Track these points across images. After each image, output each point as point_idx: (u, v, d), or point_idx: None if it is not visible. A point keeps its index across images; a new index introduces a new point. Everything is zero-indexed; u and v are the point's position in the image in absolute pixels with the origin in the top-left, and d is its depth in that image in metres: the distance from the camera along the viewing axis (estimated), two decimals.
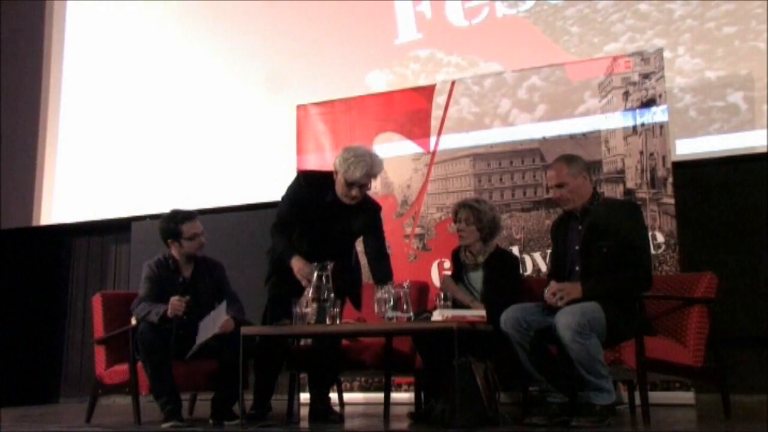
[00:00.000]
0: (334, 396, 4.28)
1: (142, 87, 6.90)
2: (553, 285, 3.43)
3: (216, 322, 3.89)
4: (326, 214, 3.84)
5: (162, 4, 6.97)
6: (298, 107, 5.65)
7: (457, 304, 3.72)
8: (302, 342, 4.17)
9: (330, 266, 3.50)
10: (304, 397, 4.30)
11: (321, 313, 3.45)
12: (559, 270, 3.66)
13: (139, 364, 3.93)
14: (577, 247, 3.57)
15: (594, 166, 4.76)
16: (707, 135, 5.01)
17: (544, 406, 3.44)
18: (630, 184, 4.68)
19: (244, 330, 3.63)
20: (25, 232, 7.20)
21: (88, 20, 7.32)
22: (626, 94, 4.75)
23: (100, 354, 4.27)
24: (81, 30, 7.33)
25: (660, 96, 4.66)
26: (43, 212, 7.15)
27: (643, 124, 4.69)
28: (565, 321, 3.26)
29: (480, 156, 5.09)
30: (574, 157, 3.70)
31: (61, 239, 7.21)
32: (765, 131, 4.82)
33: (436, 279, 4.97)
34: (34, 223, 7.16)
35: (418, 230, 5.20)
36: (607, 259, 3.45)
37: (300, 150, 5.59)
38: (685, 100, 5.04)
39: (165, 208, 6.22)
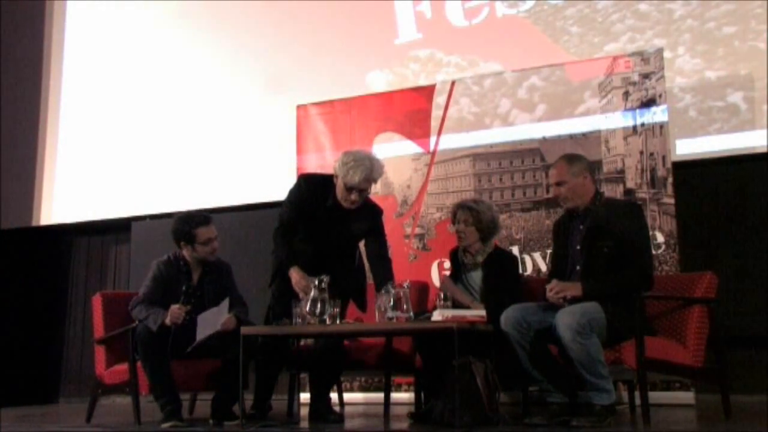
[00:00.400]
0: (334, 396, 4.28)
1: (142, 87, 6.90)
2: (554, 283, 3.43)
3: (218, 319, 3.89)
4: (327, 218, 3.84)
5: (162, 4, 6.97)
6: (298, 107, 5.65)
7: (456, 305, 3.72)
8: (302, 342, 4.17)
9: (326, 279, 3.51)
10: (304, 397, 4.30)
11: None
12: (559, 269, 3.66)
13: (139, 364, 3.92)
14: (578, 247, 3.57)
15: (594, 166, 4.74)
16: (707, 135, 5.01)
17: (544, 406, 3.44)
18: (630, 184, 4.68)
19: (245, 330, 3.64)
20: (25, 232, 7.20)
21: (88, 20, 7.32)
22: (626, 94, 4.75)
23: (100, 354, 4.27)
24: (81, 30, 7.33)
25: (660, 96, 4.66)
26: (43, 212, 7.15)
27: (643, 124, 4.69)
28: (565, 321, 3.26)
29: (480, 156, 5.09)
30: (577, 157, 3.71)
31: (61, 239, 7.21)
32: (765, 131, 4.82)
33: (436, 279, 4.98)
34: (34, 223, 7.16)
35: (418, 230, 5.20)
36: (608, 259, 3.45)
37: (300, 150, 5.59)
38: (685, 100, 5.04)
39: (165, 208, 6.32)
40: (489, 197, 4.95)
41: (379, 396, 4.58)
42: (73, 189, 7.04)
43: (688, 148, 4.97)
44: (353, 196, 3.76)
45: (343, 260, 3.96)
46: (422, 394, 4.11)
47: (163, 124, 6.75)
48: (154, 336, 3.83)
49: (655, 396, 4.24)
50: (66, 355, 6.93)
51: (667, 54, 4.75)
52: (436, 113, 5.24)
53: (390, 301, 3.45)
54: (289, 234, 3.86)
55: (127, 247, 6.78)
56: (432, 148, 5.24)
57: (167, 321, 3.87)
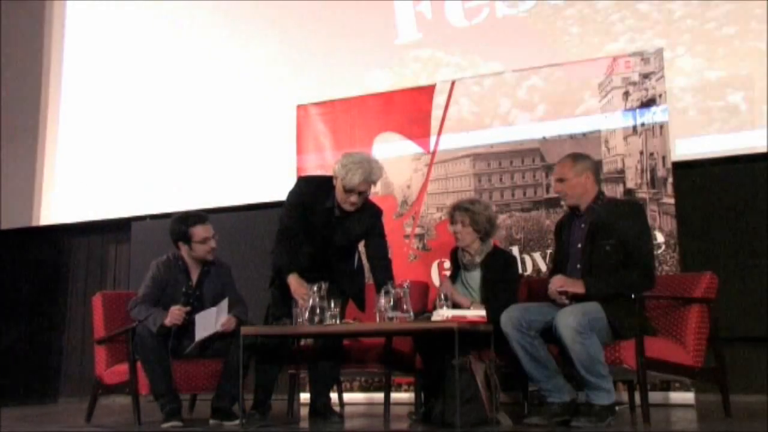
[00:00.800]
0: (334, 396, 4.28)
1: (142, 87, 6.90)
2: (558, 278, 3.43)
3: (217, 320, 3.89)
4: (327, 220, 3.85)
5: (161, 4, 6.97)
6: (298, 107, 5.65)
7: (455, 306, 3.71)
8: (303, 342, 4.17)
9: (325, 286, 3.53)
10: (304, 397, 4.30)
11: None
12: (559, 269, 3.67)
13: (139, 364, 3.92)
14: (579, 245, 3.58)
15: (598, 165, 4.77)
16: (707, 135, 5.01)
17: (544, 406, 3.45)
18: (630, 184, 4.68)
19: (244, 330, 3.64)
20: (26, 232, 7.20)
21: (88, 20, 7.32)
22: (626, 94, 4.75)
23: (100, 354, 4.27)
24: (81, 30, 7.34)
25: (660, 96, 4.67)
26: (43, 212, 7.15)
27: (643, 124, 4.69)
28: (565, 321, 3.26)
29: (480, 156, 5.09)
30: (583, 157, 3.73)
31: (61, 239, 7.21)
32: (765, 131, 4.82)
33: (436, 279, 4.98)
34: (34, 223, 7.16)
35: (418, 230, 5.20)
36: (609, 257, 3.46)
37: (300, 150, 5.59)
38: (685, 100, 5.04)
39: (165, 208, 6.32)
40: (489, 197, 4.96)
41: (379, 396, 4.57)
42: (73, 189, 7.04)
43: (688, 148, 4.96)
44: (353, 198, 3.76)
45: (343, 261, 3.97)
46: (422, 394, 4.11)
47: (163, 124, 6.76)
48: (154, 336, 3.83)
49: (655, 396, 4.25)
50: (66, 355, 6.92)
51: (667, 54, 4.75)
52: (436, 113, 5.23)
53: (390, 301, 3.45)
54: (290, 237, 3.85)
55: (127, 247, 6.78)
56: (432, 148, 5.24)
57: (167, 322, 3.87)
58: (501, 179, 5.01)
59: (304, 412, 4.08)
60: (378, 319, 3.51)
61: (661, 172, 4.62)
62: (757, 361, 4.73)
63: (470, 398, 3.30)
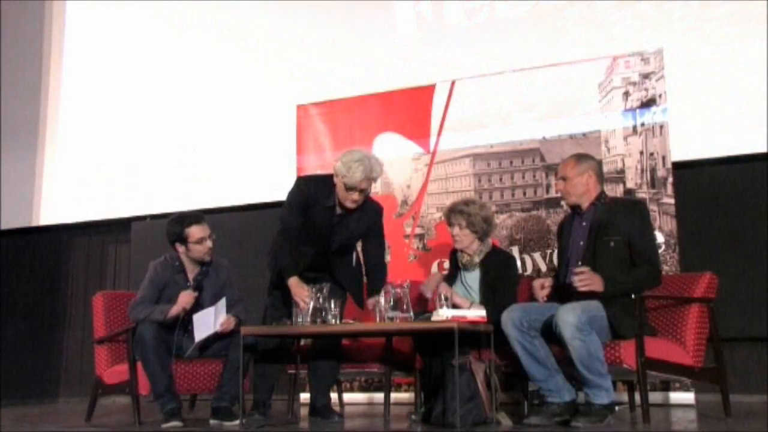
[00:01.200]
0: (334, 396, 4.28)
1: (142, 87, 6.90)
2: (586, 270, 3.40)
3: (216, 320, 3.89)
4: (328, 218, 3.85)
5: (161, 4, 6.97)
6: (298, 107, 5.65)
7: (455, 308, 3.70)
8: (302, 342, 4.17)
9: (327, 287, 3.54)
10: (304, 397, 4.30)
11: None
12: (560, 265, 3.69)
13: (139, 364, 3.92)
14: (581, 243, 3.59)
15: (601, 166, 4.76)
16: (707, 135, 5.01)
17: (544, 406, 3.45)
18: (630, 184, 4.69)
19: (245, 330, 3.64)
20: (26, 232, 7.21)
21: (88, 20, 7.32)
22: (626, 94, 4.75)
23: (100, 354, 4.27)
24: (81, 30, 7.33)
25: (660, 96, 4.67)
26: (43, 212, 7.15)
27: (643, 124, 4.70)
28: (565, 317, 3.26)
29: (480, 156, 5.09)
30: (586, 157, 3.77)
31: (61, 239, 7.21)
32: (765, 131, 4.81)
33: None
34: (35, 223, 7.16)
35: (418, 230, 5.20)
36: (613, 255, 3.47)
37: (300, 150, 5.59)
38: (685, 100, 5.03)
39: (165, 208, 6.31)
40: (489, 197, 4.96)
41: (379, 396, 4.58)
42: (73, 189, 7.04)
43: (688, 148, 4.96)
44: (354, 196, 3.76)
45: (343, 258, 3.98)
46: (422, 394, 4.11)
47: (163, 124, 6.76)
48: (155, 336, 3.83)
49: (655, 396, 4.26)
50: (66, 355, 6.92)
51: (667, 54, 4.74)
52: (436, 113, 5.23)
53: (390, 301, 3.46)
54: (291, 238, 3.85)
55: (127, 247, 6.78)
56: (432, 148, 5.24)
57: (174, 310, 3.89)
58: (501, 179, 5.01)
59: (304, 412, 4.08)
60: (378, 319, 3.51)
61: (661, 172, 4.62)
62: (757, 361, 4.73)
63: (470, 398, 3.30)
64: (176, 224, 4.08)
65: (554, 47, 5.41)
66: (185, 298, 3.94)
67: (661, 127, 4.66)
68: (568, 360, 3.30)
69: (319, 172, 5.08)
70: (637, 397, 3.63)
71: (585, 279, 3.38)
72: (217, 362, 4.03)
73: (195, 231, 4.05)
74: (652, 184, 4.63)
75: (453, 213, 3.96)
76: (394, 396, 4.39)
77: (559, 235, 3.83)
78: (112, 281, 6.93)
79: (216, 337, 3.95)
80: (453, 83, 5.24)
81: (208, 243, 4.08)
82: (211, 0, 6.73)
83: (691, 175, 4.96)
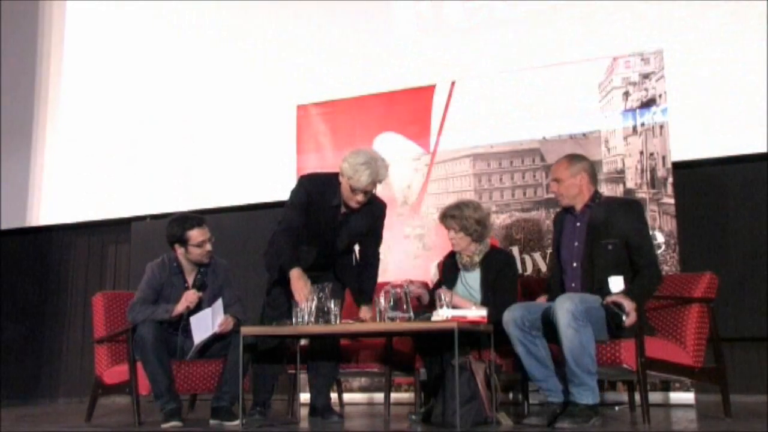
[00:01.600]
0: (334, 396, 4.28)
1: (142, 87, 6.90)
2: (626, 301, 3.34)
3: (213, 321, 3.89)
4: (332, 217, 3.86)
5: (161, 4, 6.97)
6: (298, 107, 5.65)
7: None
8: (302, 342, 4.17)
9: (330, 287, 3.55)
10: (304, 397, 4.30)
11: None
12: (557, 268, 3.70)
13: (139, 364, 3.92)
14: (576, 244, 3.59)
15: (594, 166, 4.75)
16: (707, 135, 5.01)
17: (544, 406, 3.45)
18: (630, 184, 4.69)
19: (245, 330, 3.64)
20: (26, 232, 7.21)
21: (88, 20, 7.32)
22: (626, 94, 4.75)
23: (100, 354, 4.27)
24: (80, 29, 7.33)
25: (660, 96, 4.67)
26: (43, 212, 7.15)
27: (643, 124, 4.70)
28: (564, 305, 3.26)
29: (480, 156, 5.09)
30: (578, 158, 3.76)
31: (61, 239, 7.21)
32: (765, 131, 4.81)
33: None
34: (35, 223, 7.16)
35: (418, 230, 5.19)
36: (611, 257, 3.47)
37: (300, 150, 5.59)
38: (685, 100, 5.03)
39: (165, 208, 6.31)
40: (489, 197, 4.96)
41: (379, 396, 4.58)
42: (74, 189, 7.04)
43: (688, 148, 4.96)
44: (359, 197, 3.78)
45: (345, 257, 3.99)
46: (422, 394, 4.11)
47: (163, 124, 6.75)
48: (155, 336, 3.83)
49: (655, 396, 4.26)
50: (66, 355, 6.92)
51: (667, 54, 4.74)
52: (436, 113, 5.23)
53: (390, 301, 3.46)
54: (293, 237, 3.84)
55: (127, 247, 6.78)
56: (432, 148, 5.24)
57: (180, 308, 3.89)
58: (501, 179, 5.01)
59: (304, 412, 4.08)
60: (378, 319, 3.51)
61: (661, 172, 4.63)
62: (757, 361, 4.73)
63: (470, 398, 3.30)
64: (177, 226, 4.07)
65: (554, 47, 5.40)
66: (190, 296, 3.94)
67: (661, 127, 4.66)
68: (560, 351, 3.29)
69: (315, 171, 5.07)
70: (637, 397, 3.63)
71: (632, 314, 3.31)
72: (217, 362, 4.03)
73: (195, 234, 4.05)
74: (652, 184, 4.63)
75: (446, 218, 3.95)
76: (394, 396, 4.39)
77: (555, 225, 3.82)
78: (112, 281, 6.93)
79: (216, 338, 3.95)
80: (453, 83, 5.24)
81: (208, 246, 4.07)
82: (211, 0, 6.72)
83: (691, 175, 4.96)
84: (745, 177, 4.95)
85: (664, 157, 4.63)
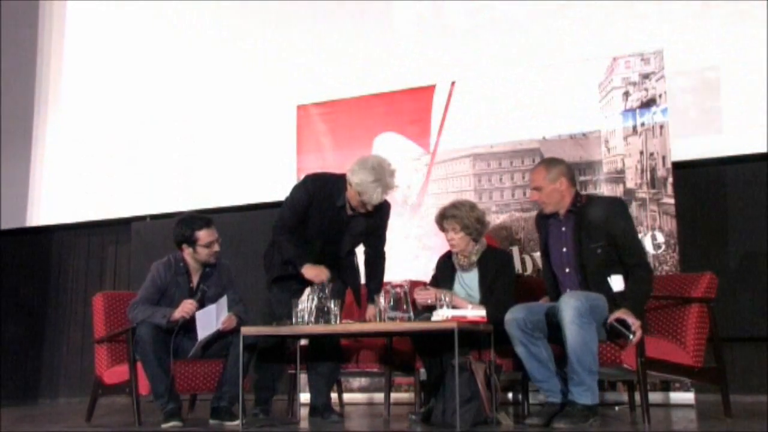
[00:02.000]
0: (334, 396, 4.28)
1: (142, 87, 6.90)
2: (621, 316, 3.31)
3: (218, 318, 3.89)
4: (337, 218, 3.86)
5: (161, 4, 6.96)
6: (298, 107, 5.65)
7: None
8: (302, 342, 4.17)
9: (329, 287, 3.57)
10: (304, 397, 4.31)
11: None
12: (549, 273, 3.69)
13: (139, 364, 3.92)
14: (565, 249, 3.58)
15: (594, 166, 4.77)
16: (707, 135, 5.01)
17: (545, 407, 3.44)
18: (630, 184, 4.69)
19: (245, 330, 3.64)
20: (26, 232, 7.21)
21: (88, 20, 7.31)
22: (626, 94, 4.75)
23: (100, 354, 4.27)
24: (80, 29, 7.33)
25: (660, 96, 4.67)
26: (43, 212, 7.15)
27: (643, 124, 4.70)
28: (570, 302, 3.26)
29: (480, 156, 5.09)
30: (555, 162, 3.71)
31: (61, 239, 7.21)
32: (765, 131, 4.82)
33: None
34: (35, 223, 7.16)
35: (418, 230, 5.19)
36: (601, 260, 3.47)
37: (300, 150, 5.59)
38: (685, 100, 5.04)
39: (165, 208, 6.32)
40: (489, 197, 4.96)
41: (379, 396, 4.58)
42: (74, 189, 7.03)
43: (688, 148, 4.96)
44: (368, 206, 3.79)
45: (348, 257, 4.00)
46: (422, 394, 4.11)
47: (163, 124, 6.75)
48: (156, 336, 3.83)
49: (655, 396, 4.26)
50: (66, 355, 6.92)
51: (667, 54, 4.74)
52: (436, 113, 5.23)
53: (390, 301, 3.46)
54: (293, 234, 3.86)
55: (127, 247, 6.78)
56: (432, 148, 5.24)
57: (176, 315, 3.88)
58: (501, 179, 5.01)
59: (304, 412, 4.08)
60: (378, 319, 3.51)
61: (661, 172, 4.63)
62: (757, 361, 4.73)
63: (470, 398, 3.30)
64: (186, 226, 4.08)
65: (554, 47, 5.40)
66: (187, 307, 3.92)
67: (661, 127, 4.66)
68: (563, 348, 3.28)
69: (318, 171, 5.07)
70: (637, 397, 3.63)
71: (638, 332, 3.28)
72: (217, 362, 4.03)
73: (204, 235, 4.06)
74: (652, 184, 4.63)
75: (445, 219, 3.95)
76: (394, 396, 4.40)
77: (538, 227, 3.81)
78: (112, 281, 6.93)
79: (217, 337, 3.95)
80: (453, 83, 5.24)
81: (216, 247, 4.09)
82: (211, 0, 6.72)
83: (691, 175, 4.96)
84: (745, 177, 4.95)
85: (664, 157, 4.63)
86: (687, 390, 4.36)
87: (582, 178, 4.77)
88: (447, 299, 3.49)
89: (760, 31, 4.92)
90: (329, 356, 3.96)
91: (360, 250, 4.10)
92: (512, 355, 3.51)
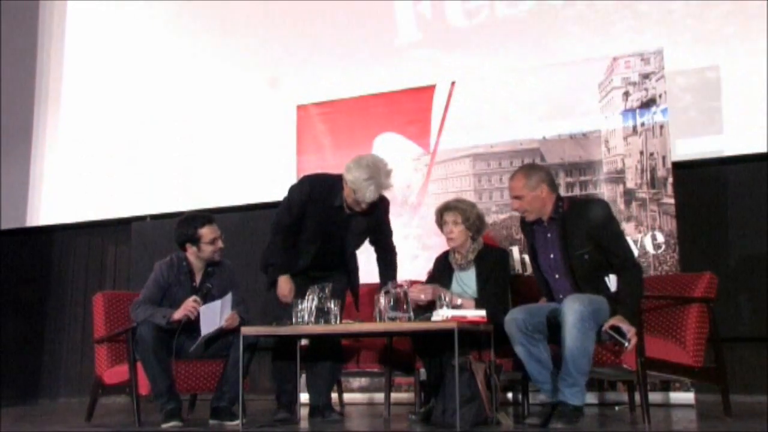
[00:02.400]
0: (334, 396, 4.28)
1: (142, 87, 6.90)
2: (616, 323, 3.29)
3: (222, 314, 3.89)
4: (336, 218, 3.86)
5: (161, 3, 6.97)
6: (298, 107, 5.65)
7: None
8: (302, 342, 4.17)
9: (329, 287, 3.57)
10: (305, 397, 4.31)
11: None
12: (540, 277, 3.69)
13: (139, 364, 3.92)
14: (552, 256, 3.57)
15: (594, 166, 4.77)
16: (707, 135, 5.01)
17: (545, 407, 3.44)
18: (630, 184, 4.68)
19: (245, 330, 3.64)
20: (26, 232, 7.21)
21: (87, 20, 7.31)
22: (626, 94, 4.75)
23: (100, 354, 4.27)
24: (80, 29, 7.33)
25: (660, 96, 4.67)
26: (42, 212, 7.15)
27: (643, 124, 4.70)
28: (572, 305, 3.26)
29: (480, 156, 5.09)
30: (535, 169, 3.69)
31: (61, 239, 7.21)
32: (765, 131, 4.81)
33: None
34: (34, 223, 7.16)
35: (418, 230, 5.19)
36: (590, 265, 3.47)
37: (300, 150, 5.59)
38: (685, 100, 5.04)
39: (165, 208, 6.32)
40: (489, 197, 4.97)
41: (379, 396, 4.58)
42: (74, 189, 7.03)
43: (688, 148, 4.96)
44: (363, 205, 3.80)
45: (349, 258, 4.00)
46: (422, 394, 4.11)
47: (164, 124, 6.75)
48: (156, 336, 3.83)
49: (655, 396, 4.25)
50: (66, 355, 6.92)
51: (667, 54, 4.74)
52: (436, 113, 5.23)
53: (390, 301, 3.46)
54: (288, 236, 3.86)
55: (127, 247, 6.78)
56: (432, 148, 5.24)
57: (177, 315, 3.87)
58: (501, 179, 5.00)
59: (304, 412, 4.08)
60: (378, 319, 3.51)
61: (661, 172, 4.62)
62: (757, 361, 4.72)
63: (470, 398, 3.30)
64: (188, 225, 4.08)
65: (554, 47, 5.40)
66: (190, 305, 3.91)
67: (661, 127, 4.65)
68: (560, 348, 3.28)
69: (318, 171, 5.07)
70: (637, 397, 3.63)
71: (633, 339, 3.26)
72: (217, 362, 4.03)
73: (207, 232, 4.06)
74: (652, 184, 4.63)
75: (447, 210, 3.96)
76: (394, 396, 4.40)
77: (524, 232, 3.79)
78: (112, 281, 6.92)
79: (218, 335, 3.95)
80: (453, 83, 5.24)
81: (220, 243, 4.10)
82: (211, 0, 6.72)
83: (691, 175, 4.96)
84: (745, 177, 4.95)
85: (664, 157, 4.63)
86: (687, 390, 4.36)
87: (582, 178, 4.77)
88: (447, 299, 3.49)
89: (760, 31, 4.91)
90: (329, 356, 3.96)
91: (363, 250, 4.10)
92: (512, 355, 3.51)
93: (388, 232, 4.06)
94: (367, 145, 5.28)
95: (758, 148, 4.85)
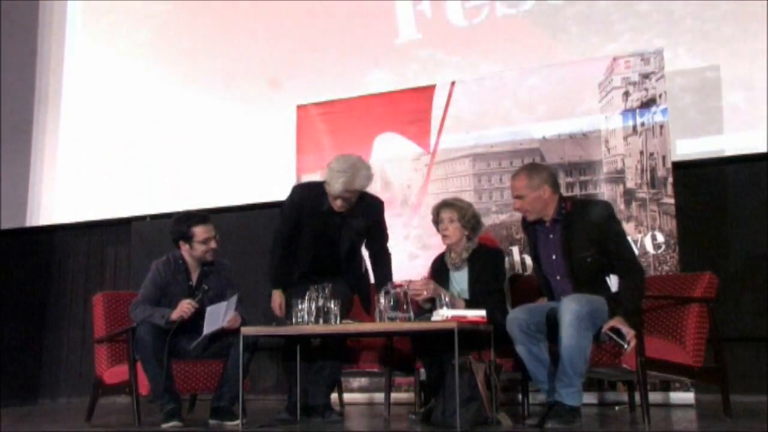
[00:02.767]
0: (334, 396, 4.28)
1: (142, 87, 6.90)
2: (625, 327, 3.29)
3: (225, 315, 3.89)
4: (325, 223, 3.88)
5: (162, 4, 6.96)
6: (298, 107, 5.65)
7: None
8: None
9: (329, 287, 3.57)
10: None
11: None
12: (541, 277, 3.68)
13: (139, 364, 3.92)
14: (554, 257, 3.56)
15: (594, 166, 4.77)
16: (707, 135, 5.01)
17: (545, 407, 3.44)
18: (630, 184, 4.68)
19: (245, 330, 3.65)
20: (25, 232, 7.20)
21: (87, 20, 7.31)
22: (626, 94, 4.75)
23: (100, 354, 4.27)
24: (80, 29, 7.33)
25: (660, 96, 4.67)
26: (42, 212, 7.15)
27: (643, 124, 4.70)
28: (570, 305, 3.25)
29: (480, 156, 5.09)
30: (538, 169, 3.67)
31: (60, 239, 7.21)
32: (765, 131, 4.82)
33: None
34: (34, 223, 7.16)
35: (417, 230, 5.19)
36: (593, 268, 3.47)
37: (300, 150, 5.59)
38: (685, 100, 5.04)
39: (165, 208, 6.31)
40: (489, 197, 4.97)
41: (379, 396, 4.58)
42: (73, 189, 7.04)
43: (688, 148, 4.96)
44: (338, 202, 3.83)
45: (351, 262, 4.00)
46: (422, 394, 4.11)
47: (164, 124, 6.75)
48: (156, 336, 3.83)
49: (655, 396, 4.25)
50: (66, 355, 6.92)
51: (667, 54, 4.75)
52: (436, 113, 5.23)
53: (390, 302, 3.46)
54: (286, 247, 3.93)
55: (127, 247, 6.78)
56: (432, 148, 5.24)
57: (174, 316, 3.87)
58: (501, 179, 5.00)
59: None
60: (378, 319, 3.52)
61: (661, 172, 4.62)
62: (757, 361, 4.73)
63: (470, 398, 3.30)
64: (182, 223, 4.09)
65: (554, 47, 5.41)
66: (185, 306, 3.91)
67: (661, 127, 4.66)
68: (557, 348, 3.28)
69: (318, 172, 5.08)
70: (637, 397, 3.63)
71: (632, 341, 3.26)
72: (217, 362, 4.03)
73: (200, 231, 4.06)
74: (652, 184, 4.63)
75: (443, 207, 3.96)
76: (394, 396, 4.39)
77: (525, 231, 3.78)
78: (112, 281, 6.92)
79: (218, 335, 3.94)
80: (453, 83, 5.24)
81: (213, 244, 4.10)
82: (211, 0, 6.72)
83: (691, 175, 4.96)
84: (745, 177, 4.95)
85: (664, 157, 4.63)
86: (687, 390, 4.36)
87: (582, 178, 4.77)
88: (446, 299, 3.49)
89: (760, 31, 4.92)
90: (330, 356, 3.96)
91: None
92: (512, 355, 3.51)
93: (383, 237, 4.06)
94: (367, 145, 5.28)
95: (758, 148, 4.85)
